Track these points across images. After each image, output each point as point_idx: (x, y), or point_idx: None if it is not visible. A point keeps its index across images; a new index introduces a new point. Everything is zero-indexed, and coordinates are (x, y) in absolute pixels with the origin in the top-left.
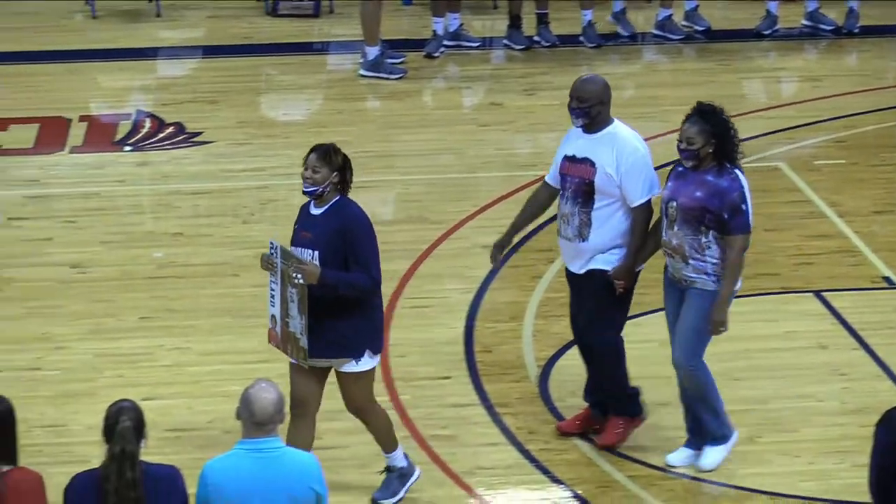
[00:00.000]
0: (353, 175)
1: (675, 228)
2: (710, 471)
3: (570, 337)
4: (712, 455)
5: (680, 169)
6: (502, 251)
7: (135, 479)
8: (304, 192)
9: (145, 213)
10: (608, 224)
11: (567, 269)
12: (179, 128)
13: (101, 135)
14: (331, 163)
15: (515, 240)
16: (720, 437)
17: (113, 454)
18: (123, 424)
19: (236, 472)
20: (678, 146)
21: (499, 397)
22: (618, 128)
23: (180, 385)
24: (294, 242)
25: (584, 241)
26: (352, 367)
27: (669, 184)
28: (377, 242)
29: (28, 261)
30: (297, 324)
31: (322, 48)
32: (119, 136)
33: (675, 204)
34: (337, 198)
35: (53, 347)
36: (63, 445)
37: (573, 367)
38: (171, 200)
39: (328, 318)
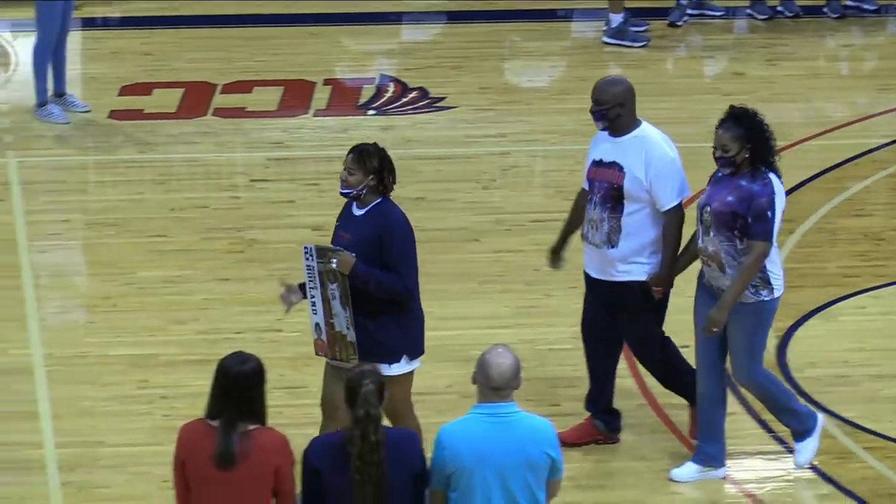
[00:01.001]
0: (395, 177)
1: (711, 235)
2: (808, 466)
3: (810, 307)
4: (805, 450)
5: (719, 174)
6: (558, 256)
7: (378, 441)
8: (341, 194)
9: None
10: (639, 231)
11: (587, 275)
12: (423, 93)
13: (345, 98)
14: (365, 166)
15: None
16: (805, 432)
17: (357, 417)
18: (367, 388)
19: (472, 436)
20: (714, 153)
21: None
22: (646, 130)
23: None
24: (333, 241)
25: (612, 247)
26: (384, 369)
27: (707, 189)
28: (415, 249)
29: (271, 223)
30: (342, 320)
31: (566, 15)
32: (363, 99)
33: (709, 209)
34: (378, 200)
35: (294, 309)
36: (302, 407)
37: (812, 338)
38: (414, 165)
39: (361, 318)
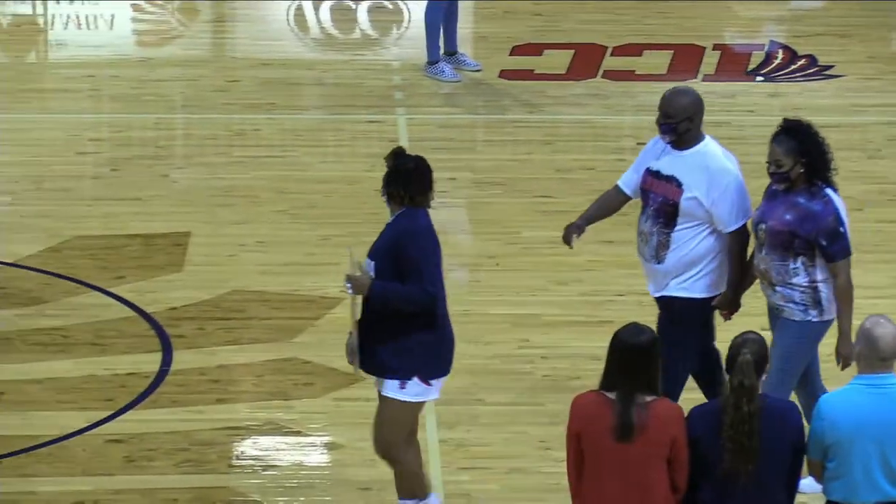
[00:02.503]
0: (421, 188)
1: (764, 253)
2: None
3: None
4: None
5: (773, 188)
6: (579, 233)
7: (750, 412)
8: None
9: None
10: (687, 247)
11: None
12: (811, 60)
13: (734, 64)
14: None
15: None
16: None
17: (732, 386)
18: (744, 357)
19: (851, 406)
20: (767, 169)
21: None
22: (709, 146)
23: None
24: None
25: (659, 262)
26: (394, 391)
27: (762, 204)
28: (437, 254)
29: None
30: (356, 335)
31: None
32: (751, 66)
33: (764, 227)
34: (402, 209)
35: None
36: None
37: None
38: None
39: (379, 333)
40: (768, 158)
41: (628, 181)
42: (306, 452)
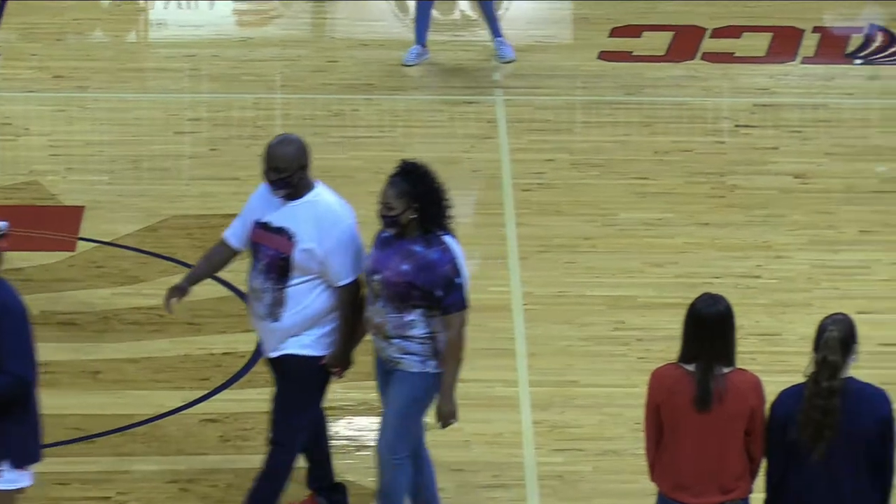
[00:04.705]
0: None
1: (379, 305)
2: None
3: None
4: None
5: (384, 235)
6: (180, 296)
7: (831, 388)
8: None
9: (871, 126)
10: (304, 303)
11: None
12: None
13: (833, 47)
14: None
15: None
16: None
17: (816, 362)
18: (831, 334)
19: None
20: (378, 211)
21: None
22: (321, 195)
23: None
24: None
25: (276, 321)
26: None
27: (373, 253)
28: (27, 331)
29: (753, 169)
30: None
31: None
32: (850, 48)
33: (379, 277)
34: None
35: (773, 256)
36: (776, 354)
37: None
38: None
39: None
40: (379, 199)
41: (235, 233)
42: None
